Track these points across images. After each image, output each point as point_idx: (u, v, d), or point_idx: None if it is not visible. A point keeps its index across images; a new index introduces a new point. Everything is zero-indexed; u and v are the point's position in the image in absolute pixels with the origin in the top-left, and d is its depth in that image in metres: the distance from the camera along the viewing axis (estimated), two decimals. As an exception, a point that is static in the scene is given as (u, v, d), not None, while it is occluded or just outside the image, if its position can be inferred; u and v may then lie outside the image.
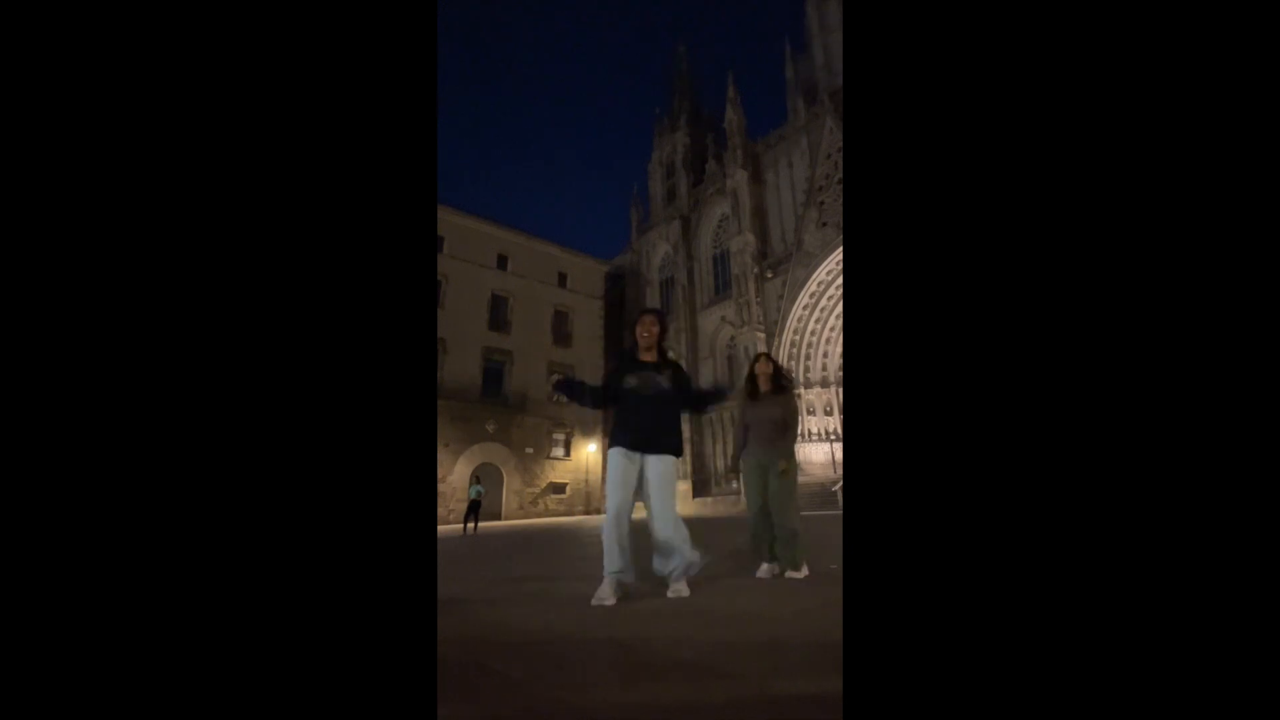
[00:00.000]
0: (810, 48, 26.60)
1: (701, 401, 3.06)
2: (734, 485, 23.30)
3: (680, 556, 2.63)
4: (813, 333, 22.86)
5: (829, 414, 22.51)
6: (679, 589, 2.56)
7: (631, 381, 2.76)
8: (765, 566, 3.16)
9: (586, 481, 26.34)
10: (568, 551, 5.65)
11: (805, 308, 22.62)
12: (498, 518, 22.52)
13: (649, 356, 2.83)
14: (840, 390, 22.08)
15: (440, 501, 20.60)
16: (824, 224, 22.41)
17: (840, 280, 21.47)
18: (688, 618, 2.04)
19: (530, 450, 25.03)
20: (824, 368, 22.93)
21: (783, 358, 22.16)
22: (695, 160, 31.77)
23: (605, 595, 2.41)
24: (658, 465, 2.69)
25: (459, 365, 23.44)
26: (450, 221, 24.55)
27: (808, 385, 22.57)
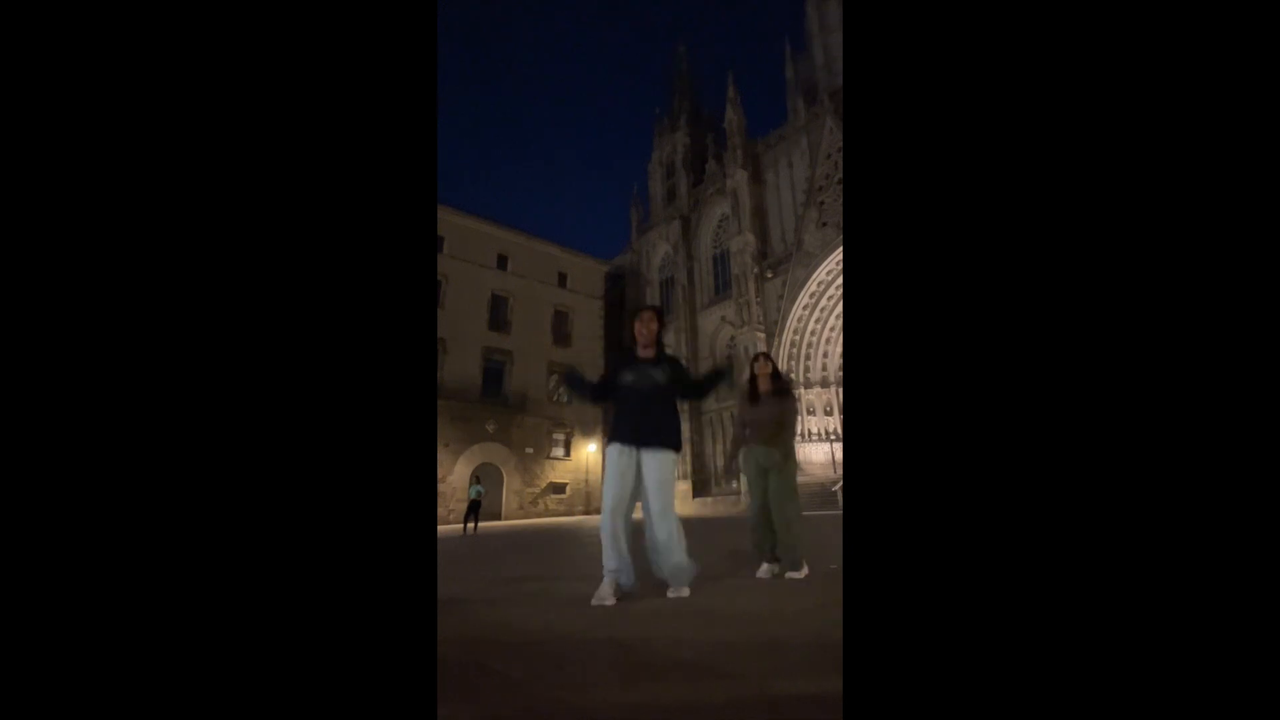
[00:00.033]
0: (810, 48, 26.60)
1: (701, 387, 3.00)
2: (734, 485, 23.31)
3: (673, 560, 2.61)
4: (813, 333, 22.86)
5: (829, 414, 22.51)
6: (679, 589, 2.55)
7: (628, 377, 2.75)
8: (765, 566, 3.16)
9: (586, 481, 26.33)
10: (568, 551, 5.65)
11: (805, 308, 22.62)
12: (498, 518, 22.52)
13: (647, 353, 2.82)
14: (840, 390, 22.08)
15: (440, 501, 20.60)
16: (824, 224, 22.40)
17: (840, 280, 21.48)
18: (688, 618, 2.04)
19: (530, 450, 25.02)
20: (824, 368, 22.93)
21: (783, 358, 22.17)
22: (695, 160, 31.78)
23: (605, 595, 2.41)
24: (655, 460, 2.66)
25: (459, 365, 23.43)
26: (450, 221, 24.54)
27: (808, 385, 22.57)
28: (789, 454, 3.33)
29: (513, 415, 24.63)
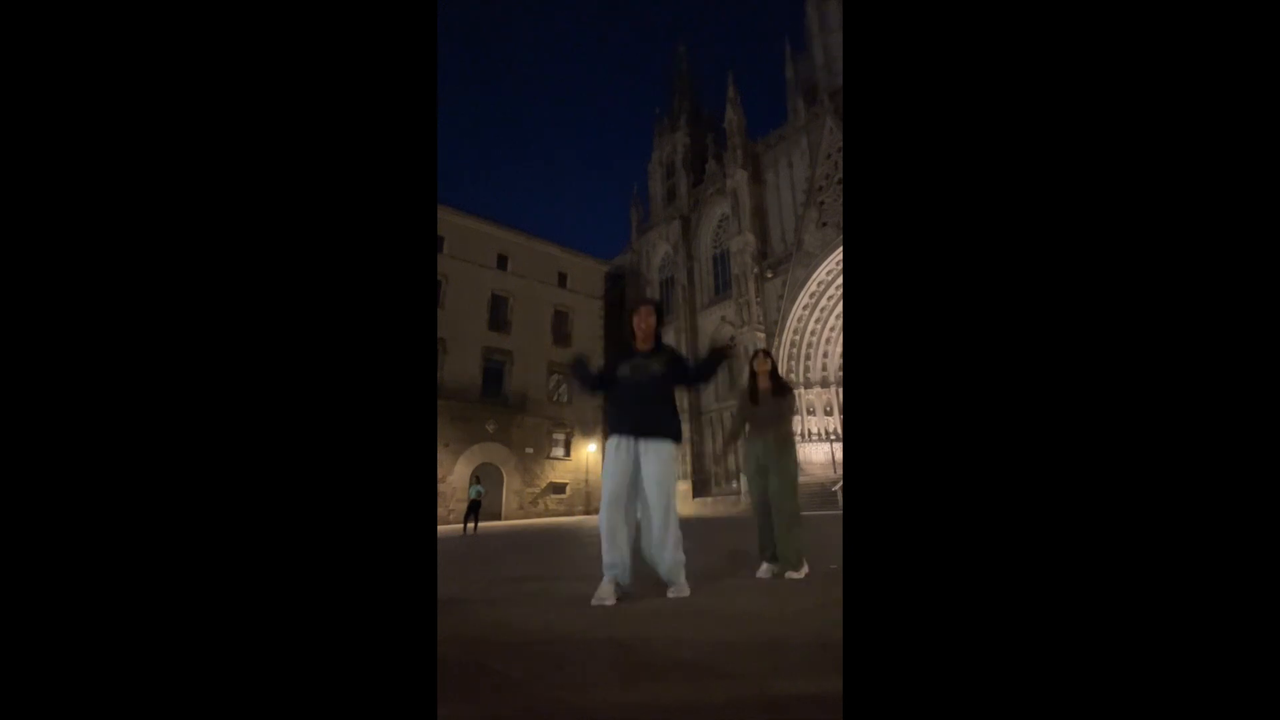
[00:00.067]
0: (810, 48, 26.60)
1: (702, 370, 2.93)
2: (734, 485, 23.31)
3: (668, 555, 2.57)
4: (813, 333, 22.87)
5: (829, 414, 22.51)
6: (679, 589, 2.54)
7: (625, 369, 2.74)
8: (765, 566, 3.16)
9: (586, 481, 26.33)
10: (568, 551, 5.65)
11: (805, 308, 22.62)
12: (498, 518, 22.52)
13: (645, 346, 2.81)
14: (840, 390, 22.08)
15: (440, 501, 20.60)
16: (824, 224, 22.41)
17: (840, 280, 21.48)
18: (688, 618, 2.04)
19: (530, 450, 25.02)
20: (824, 368, 22.94)
21: (783, 358, 22.18)
22: (695, 160, 31.78)
23: (605, 595, 2.40)
24: (653, 452, 2.63)
25: (459, 365, 23.44)
26: (450, 221, 24.55)
27: (808, 385, 22.57)
28: (788, 445, 3.34)
29: (513, 415, 24.63)
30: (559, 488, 25.80)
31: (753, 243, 24.61)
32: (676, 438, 2.74)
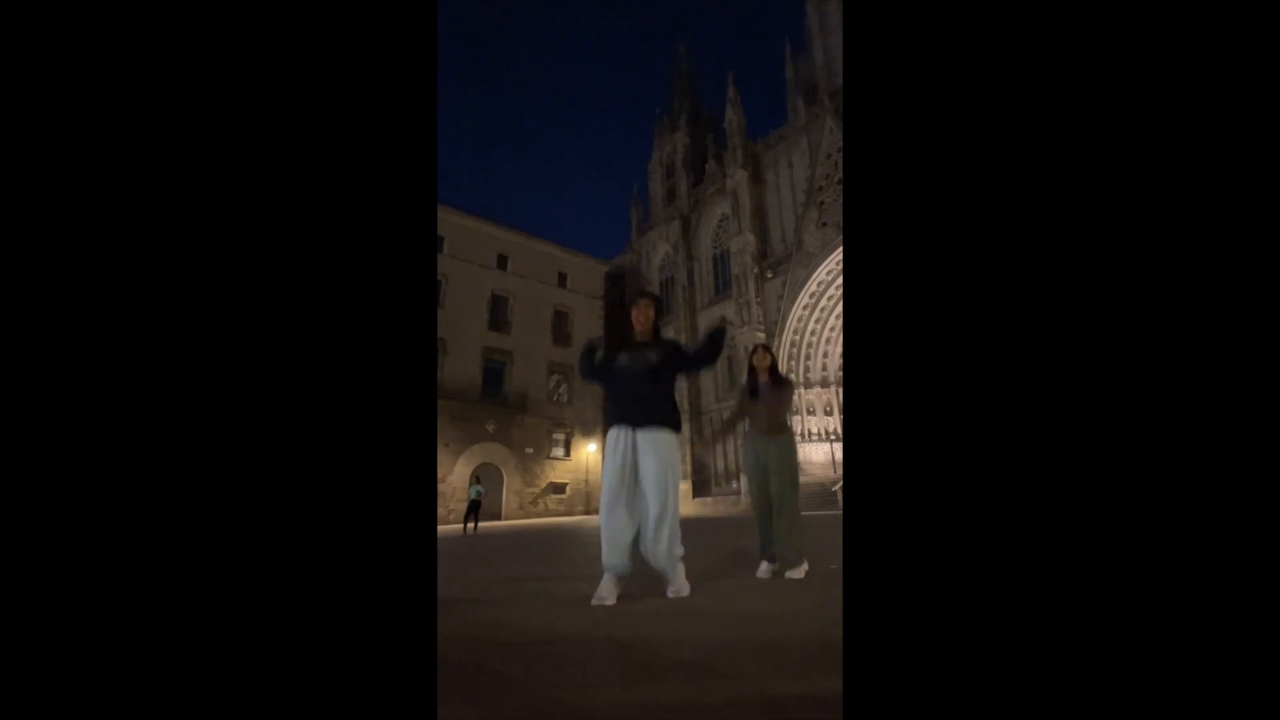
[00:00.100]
0: (810, 48, 26.60)
1: (702, 355, 2.89)
2: (734, 485, 23.32)
3: (663, 548, 2.54)
4: (813, 333, 22.87)
5: (829, 414, 22.52)
6: (678, 587, 2.52)
7: (623, 360, 2.73)
8: (765, 566, 3.15)
9: (586, 481, 26.34)
10: (568, 551, 5.65)
11: (805, 308, 22.63)
12: (498, 518, 22.52)
13: (644, 339, 2.80)
14: (840, 390, 22.09)
15: (440, 501, 20.60)
16: (824, 224, 22.41)
17: (840, 280, 21.49)
18: (688, 618, 2.04)
19: (530, 450, 25.03)
20: (824, 368, 22.94)
21: (783, 358, 22.18)
22: (695, 160, 31.78)
23: (605, 594, 2.39)
24: (651, 441, 2.61)
25: (459, 365, 23.44)
26: (450, 221, 24.56)
27: (808, 385, 22.58)
28: (788, 440, 3.36)
29: (513, 415, 24.64)
30: (559, 488, 25.80)
31: (753, 243, 24.62)
32: (675, 427, 2.71)
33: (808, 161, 24.18)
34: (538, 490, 25.03)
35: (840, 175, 21.91)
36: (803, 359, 22.76)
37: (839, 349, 22.43)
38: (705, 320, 27.39)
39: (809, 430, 21.98)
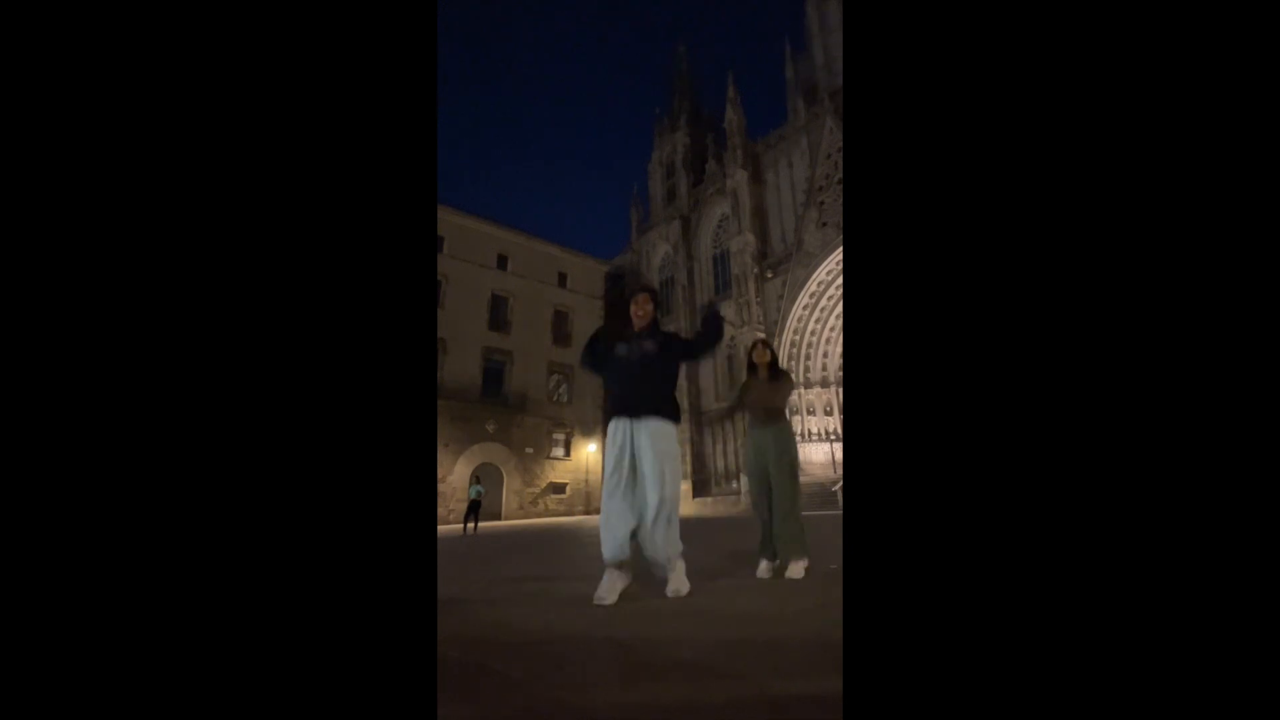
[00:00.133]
0: (810, 48, 26.62)
1: (702, 340, 2.88)
2: (734, 485, 23.31)
3: (659, 539, 2.51)
4: (813, 333, 22.88)
5: (829, 414, 22.52)
6: (676, 584, 2.49)
7: (621, 350, 2.73)
8: (764, 564, 3.15)
9: (586, 481, 26.35)
10: (568, 551, 5.65)
11: (805, 308, 22.64)
12: (498, 518, 22.53)
13: (642, 332, 2.79)
14: (840, 390, 22.09)
15: (440, 501, 20.61)
16: (824, 224, 22.42)
17: (840, 280, 21.49)
18: (688, 618, 2.04)
19: (530, 450, 25.03)
20: (824, 368, 22.95)
21: (783, 358, 22.18)
22: (695, 160, 31.80)
23: (605, 593, 2.38)
24: (647, 430, 2.59)
25: (459, 365, 23.44)
26: (450, 221, 24.56)
27: (808, 385, 22.59)
28: (786, 430, 3.37)
29: (513, 415, 24.64)
30: (559, 488, 25.81)
31: (753, 243, 24.63)
32: (673, 416, 2.69)
33: (808, 161, 24.18)
34: (538, 490, 25.04)
35: (840, 175, 21.91)
36: (803, 359, 22.76)
37: (839, 349, 22.44)
38: (705, 320, 27.32)
39: (809, 430, 21.98)
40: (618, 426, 2.64)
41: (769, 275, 24.03)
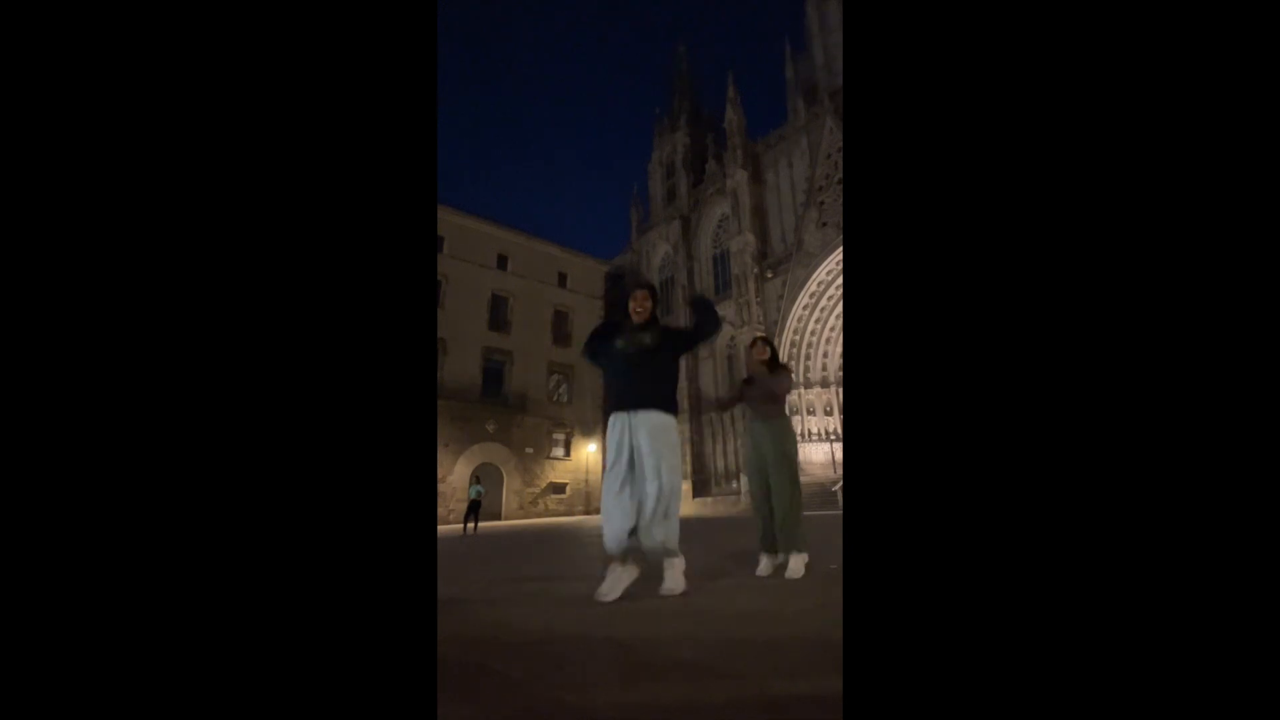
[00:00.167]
0: (810, 48, 26.62)
1: (697, 329, 2.88)
2: (734, 485, 23.31)
3: (656, 530, 2.50)
4: (813, 333, 22.88)
5: (829, 414, 22.51)
6: (671, 582, 2.47)
7: (619, 343, 2.75)
8: (766, 561, 3.14)
9: (586, 481, 26.35)
10: (568, 551, 5.65)
11: (805, 308, 22.64)
12: (498, 518, 22.53)
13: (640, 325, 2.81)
14: (840, 390, 22.10)
15: (440, 501, 20.61)
16: (824, 224, 22.42)
17: (840, 280, 21.50)
18: (688, 618, 2.04)
19: (530, 450, 25.04)
20: (824, 368, 22.95)
21: (783, 358, 22.12)
22: (695, 160, 31.81)
23: (608, 590, 2.37)
24: (644, 422, 2.60)
25: (459, 365, 23.45)
26: (450, 221, 24.56)
27: (808, 385, 22.59)
28: (784, 424, 3.38)
29: (513, 415, 24.64)
30: (559, 488, 25.81)
31: (753, 243, 24.64)
32: (669, 408, 2.70)
33: (808, 161, 24.19)
34: (538, 490, 25.04)
35: (840, 175, 21.92)
36: (803, 359, 22.76)
37: (839, 349, 22.45)
38: (705, 321, 27.33)
39: (809, 430, 21.98)
40: (616, 420, 2.66)
41: (769, 275, 24.03)
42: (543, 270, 27.82)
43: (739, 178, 25.62)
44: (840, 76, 22.77)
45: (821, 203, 22.76)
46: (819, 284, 22.37)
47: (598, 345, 2.85)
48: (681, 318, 27.68)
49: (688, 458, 24.91)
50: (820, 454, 21.66)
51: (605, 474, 2.64)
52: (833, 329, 22.70)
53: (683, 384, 24.46)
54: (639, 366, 2.69)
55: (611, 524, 2.53)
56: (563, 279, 28.59)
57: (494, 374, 24.87)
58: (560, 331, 27.49)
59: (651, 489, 2.54)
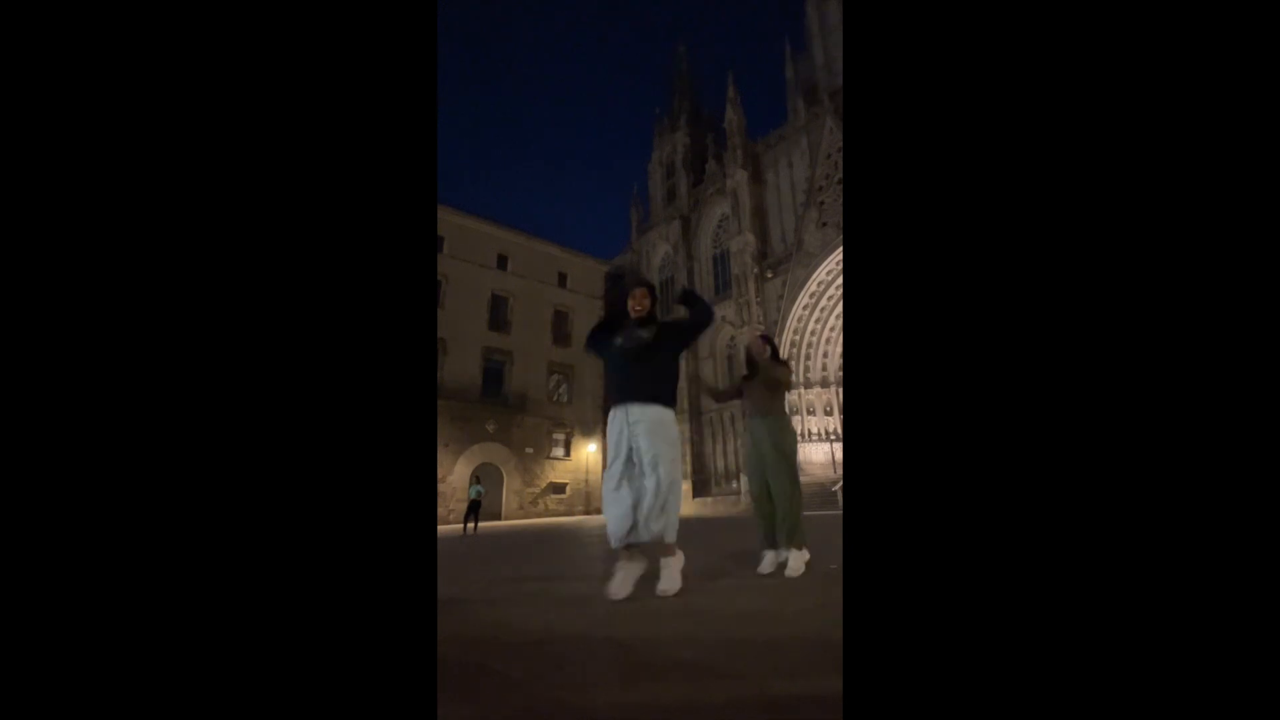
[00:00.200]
0: (810, 48, 26.62)
1: (691, 320, 2.88)
2: (734, 485, 23.32)
3: (654, 519, 2.49)
4: (813, 333, 22.88)
5: (829, 414, 22.51)
6: (666, 581, 2.46)
7: (618, 339, 2.76)
8: (768, 557, 3.13)
9: (586, 481, 26.35)
10: (568, 551, 5.65)
11: (805, 308, 22.63)
12: (498, 518, 22.53)
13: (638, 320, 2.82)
14: (840, 390, 22.10)
15: (440, 501, 20.61)
16: (824, 224, 22.42)
17: (840, 280, 21.50)
18: (688, 618, 2.04)
19: (530, 450, 25.04)
20: (824, 368, 22.94)
21: (783, 357, 22.13)
22: (695, 160, 31.81)
23: (617, 588, 2.36)
24: (641, 416, 2.60)
25: (459, 365, 23.45)
26: (450, 221, 24.57)
27: (808, 385, 22.59)
28: (783, 420, 3.38)
29: (513, 415, 24.64)
30: (559, 488, 25.81)
31: (753, 243, 24.64)
32: (667, 401, 2.70)
33: (808, 161, 24.18)
34: (538, 490, 25.04)
35: (840, 175, 21.92)
36: (803, 359, 22.76)
37: (839, 349, 22.45)
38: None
39: (809, 430, 21.98)
40: (616, 415, 2.68)
41: (769, 275, 24.04)
42: (543, 270, 27.83)
43: (739, 178, 25.62)
44: (840, 76, 22.78)
45: (821, 203, 22.76)
46: (819, 284, 22.37)
47: (599, 339, 2.87)
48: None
49: (688, 458, 24.91)
50: (820, 454, 21.65)
51: (606, 468, 2.66)
52: (833, 329, 22.70)
53: (683, 384, 24.47)
54: (638, 362, 2.70)
55: (613, 516, 2.54)
56: (563, 279, 28.60)
57: (494, 374, 24.88)
58: (560, 331, 27.49)
59: (649, 483, 2.54)
